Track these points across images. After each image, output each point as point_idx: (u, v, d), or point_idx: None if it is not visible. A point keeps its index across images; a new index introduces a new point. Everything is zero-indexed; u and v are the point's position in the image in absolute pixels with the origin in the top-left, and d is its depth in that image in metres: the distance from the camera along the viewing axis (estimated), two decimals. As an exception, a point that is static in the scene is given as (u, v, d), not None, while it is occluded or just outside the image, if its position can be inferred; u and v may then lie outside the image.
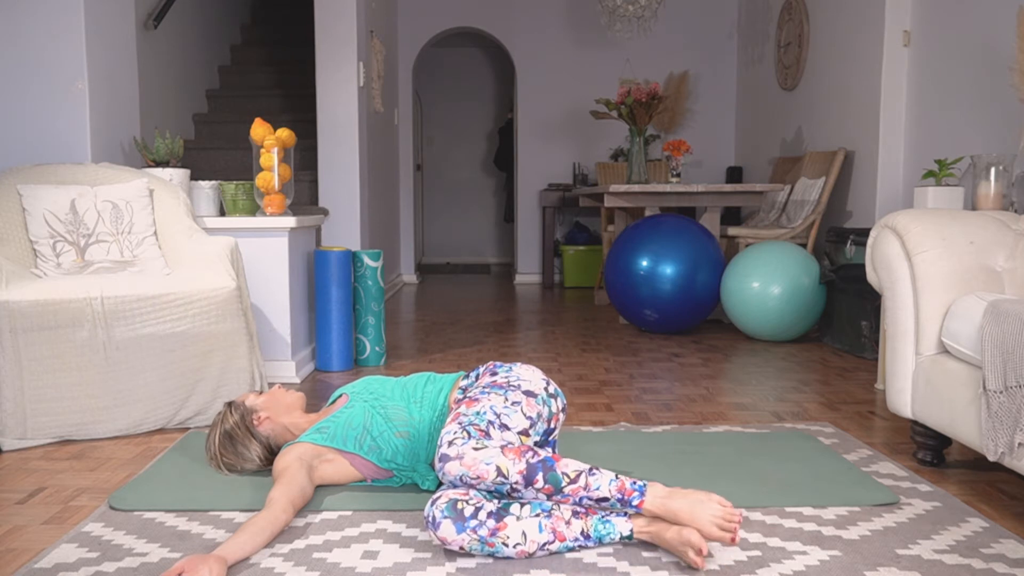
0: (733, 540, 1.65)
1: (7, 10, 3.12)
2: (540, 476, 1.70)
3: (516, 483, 1.69)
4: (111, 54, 3.37)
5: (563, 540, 1.71)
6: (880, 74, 4.52)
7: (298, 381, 3.37)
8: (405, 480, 2.07)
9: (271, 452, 2.17)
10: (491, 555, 1.69)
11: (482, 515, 1.67)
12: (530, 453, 1.72)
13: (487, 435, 1.77)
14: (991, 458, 1.90)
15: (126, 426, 2.59)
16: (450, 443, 1.74)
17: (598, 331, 4.69)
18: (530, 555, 1.69)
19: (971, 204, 3.14)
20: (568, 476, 1.71)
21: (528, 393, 1.95)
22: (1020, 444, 1.82)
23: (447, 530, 1.66)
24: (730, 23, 7.23)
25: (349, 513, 1.92)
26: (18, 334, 2.44)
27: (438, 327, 4.84)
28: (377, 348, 3.71)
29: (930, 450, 2.31)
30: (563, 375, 3.50)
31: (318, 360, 3.59)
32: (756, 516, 1.90)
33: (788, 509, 1.95)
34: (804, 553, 1.71)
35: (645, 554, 1.70)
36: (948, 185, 3.27)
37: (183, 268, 2.84)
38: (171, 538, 1.79)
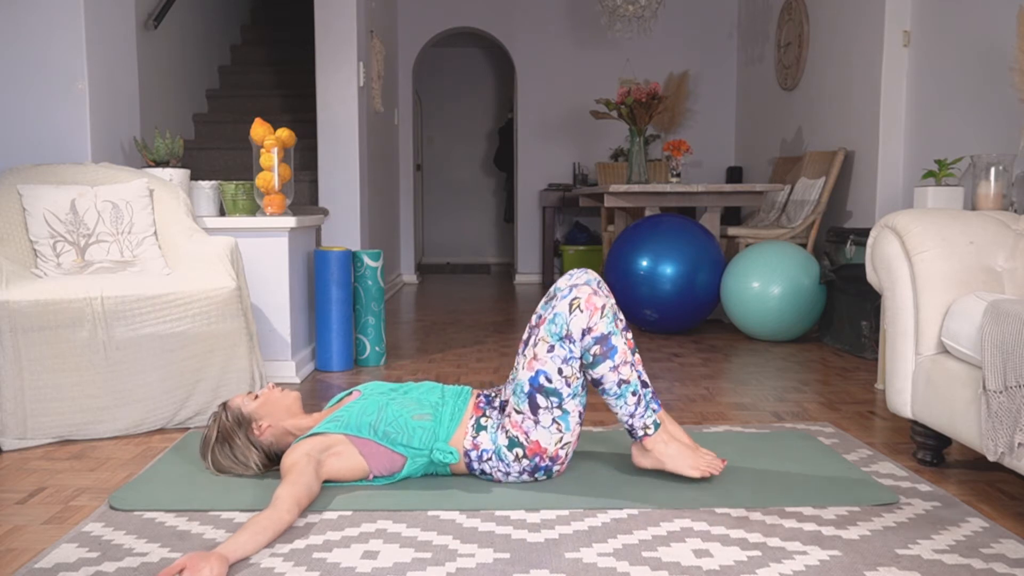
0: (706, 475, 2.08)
1: (7, 10, 3.12)
2: (630, 336, 2.11)
3: (615, 328, 2.01)
4: (111, 54, 3.37)
5: (639, 366, 2.05)
6: (880, 74, 4.52)
7: (298, 381, 3.37)
8: (415, 470, 2.07)
9: (271, 459, 2.16)
10: (607, 336, 1.96)
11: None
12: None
13: None
14: (991, 458, 1.90)
15: (126, 426, 2.59)
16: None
17: (598, 331, 4.68)
18: (625, 362, 1.99)
19: (971, 204, 3.13)
20: (637, 352, 2.15)
21: None
22: (1020, 444, 1.82)
23: (590, 291, 1.99)
24: (730, 23, 7.23)
25: (349, 513, 1.92)
26: (18, 334, 2.44)
27: (438, 327, 4.84)
28: (377, 348, 3.71)
29: (930, 450, 2.31)
30: (563, 375, 3.50)
31: (318, 360, 3.59)
32: (756, 516, 1.90)
33: (788, 509, 1.95)
34: (804, 553, 1.71)
35: (645, 554, 1.70)
36: (948, 185, 3.27)
37: (183, 268, 2.84)
38: (171, 538, 1.79)
